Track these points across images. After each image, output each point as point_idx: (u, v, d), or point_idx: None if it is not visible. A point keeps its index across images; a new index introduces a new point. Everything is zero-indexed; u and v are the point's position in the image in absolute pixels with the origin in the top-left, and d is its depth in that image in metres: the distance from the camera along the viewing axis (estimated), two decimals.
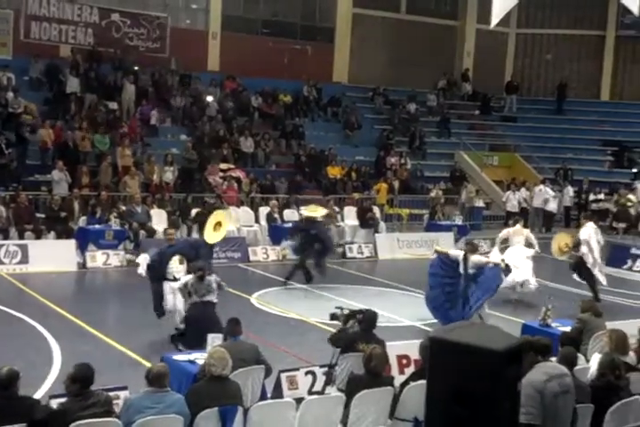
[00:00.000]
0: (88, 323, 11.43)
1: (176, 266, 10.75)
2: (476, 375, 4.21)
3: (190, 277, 9.75)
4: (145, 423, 6.00)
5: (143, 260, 11.23)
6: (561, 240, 15.02)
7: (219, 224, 11.86)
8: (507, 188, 24.53)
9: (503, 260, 12.64)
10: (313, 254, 15.05)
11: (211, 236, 11.73)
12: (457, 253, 12.25)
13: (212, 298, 9.60)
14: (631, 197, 23.94)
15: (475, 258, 11.78)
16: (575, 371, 6.70)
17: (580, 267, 14.29)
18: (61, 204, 17.38)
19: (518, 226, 14.88)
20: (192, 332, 9.31)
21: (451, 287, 11.90)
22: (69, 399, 6.04)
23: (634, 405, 6.62)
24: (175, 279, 10.50)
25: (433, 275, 12.22)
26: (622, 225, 23.45)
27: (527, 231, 14.96)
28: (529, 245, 14.64)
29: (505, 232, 15.00)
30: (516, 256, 14.17)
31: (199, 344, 8.14)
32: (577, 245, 14.26)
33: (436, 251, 12.58)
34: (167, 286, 10.74)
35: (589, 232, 14.33)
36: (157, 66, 24.32)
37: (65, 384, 6.10)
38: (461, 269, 11.76)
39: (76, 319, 11.66)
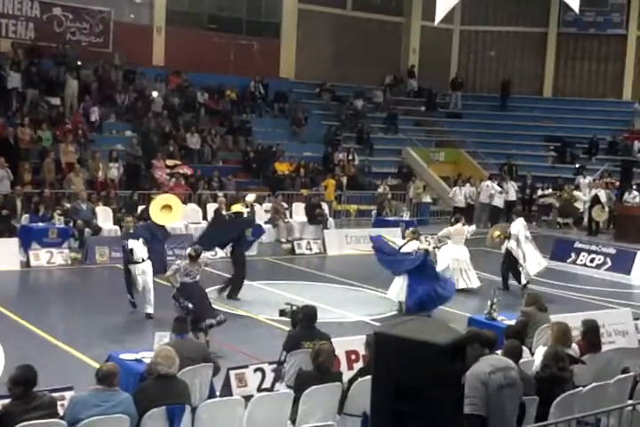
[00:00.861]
0: (32, 323, 11.22)
1: (140, 249, 11.94)
2: (419, 370, 4.23)
3: (182, 261, 10.55)
4: (90, 424, 5.91)
5: (136, 244, 11.96)
6: (495, 231, 15.58)
7: (167, 207, 12.60)
8: (453, 183, 24.76)
9: (435, 247, 13.63)
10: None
11: (159, 217, 12.56)
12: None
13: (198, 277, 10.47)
14: (577, 193, 24.43)
15: (412, 244, 12.69)
16: (520, 364, 6.79)
17: (508, 258, 14.95)
18: (3, 201, 17.08)
19: (459, 225, 15.15)
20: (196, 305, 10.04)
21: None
22: (12, 402, 5.92)
23: (578, 396, 6.74)
24: (143, 261, 11.94)
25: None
26: (569, 220, 23.95)
27: (467, 229, 15.20)
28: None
29: (445, 231, 15.30)
30: (455, 255, 14.69)
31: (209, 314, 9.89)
32: (508, 236, 14.85)
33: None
34: (135, 268, 11.93)
35: (519, 228, 14.88)
36: (101, 61, 23.95)
37: (7, 386, 5.98)
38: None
39: (19, 319, 11.43)
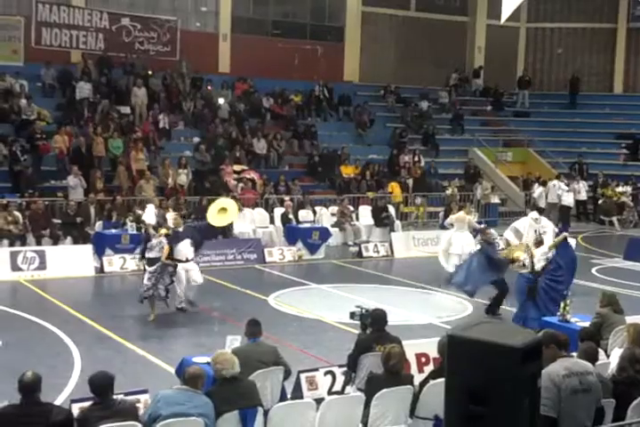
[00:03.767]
0: (107, 327, 11.48)
1: (187, 248, 12.32)
2: (494, 373, 4.19)
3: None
4: (169, 424, 6.01)
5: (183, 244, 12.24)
6: (513, 252, 14.61)
7: (224, 209, 12.60)
8: (535, 183, 24.45)
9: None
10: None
11: (214, 218, 12.57)
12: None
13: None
14: (620, 189, 24.41)
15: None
16: (596, 366, 6.66)
17: None
18: (77, 209, 17.49)
19: (461, 213, 15.87)
20: None
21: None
22: (90, 406, 6.05)
23: None
24: (187, 260, 12.30)
25: None
26: (612, 218, 24.08)
27: (470, 218, 15.83)
28: (473, 231, 15.44)
29: (449, 219, 16.15)
30: (459, 242, 15.27)
31: None
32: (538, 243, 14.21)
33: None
34: (180, 266, 12.17)
35: (524, 222, 13.88)
36: (168, 69, 24.39)
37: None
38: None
39: (94, 324, 11.71)
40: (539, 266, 11.89)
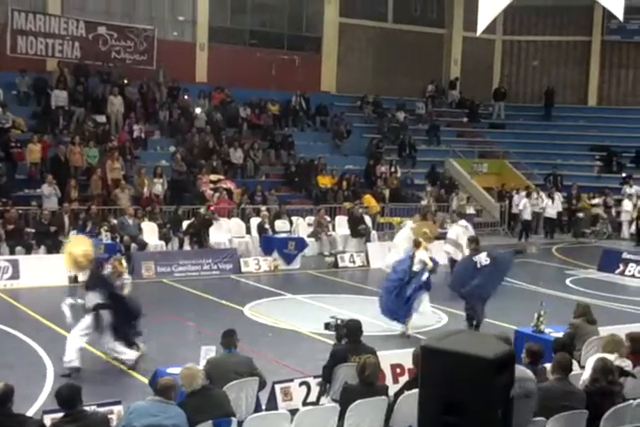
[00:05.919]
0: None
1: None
2: (467, 384, 4.20)
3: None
4: None
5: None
6: (420, 228, 15.46)
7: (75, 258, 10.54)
8: (516, 194, 24.69)
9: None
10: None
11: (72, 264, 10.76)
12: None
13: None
14: (595, 201, 24.83)
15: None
16: (570, 377, 6.70)
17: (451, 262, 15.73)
18: (51, 218, 17.36)
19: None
20: None
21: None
22: (61, 419, 5.99)
23: (628, 410, 6.62)
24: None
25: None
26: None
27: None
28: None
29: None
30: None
31: None
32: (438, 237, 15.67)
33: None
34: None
35: (457, 231, 16.03)
36: (145, 78, 24.31)
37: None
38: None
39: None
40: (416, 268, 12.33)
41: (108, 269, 10.80)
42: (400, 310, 12.16)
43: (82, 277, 10.92)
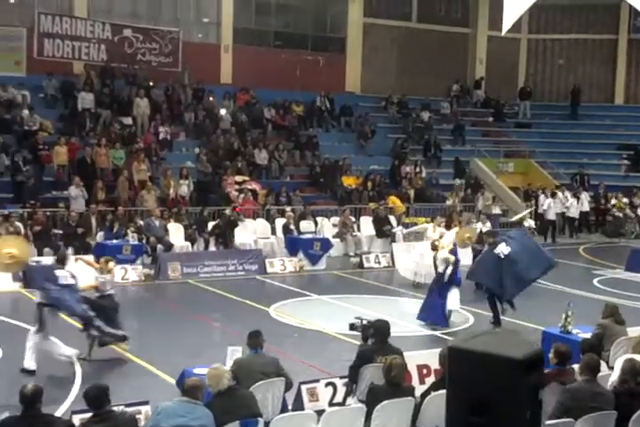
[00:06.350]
0: None
1: None
2: (495, 385, 4.18)
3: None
4: None
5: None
6: (464, 233, 15.20)
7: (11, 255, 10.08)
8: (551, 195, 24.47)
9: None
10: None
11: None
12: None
13: None
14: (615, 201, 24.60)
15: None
16: (598, 378, 6.65)
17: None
18: (79, 220, 17.52)
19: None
20: None
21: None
22: (89, 419, 6.03)
23: None
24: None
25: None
26: None
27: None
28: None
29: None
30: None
31: None
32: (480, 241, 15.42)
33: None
34: None
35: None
36: (170, 80, 24.45)
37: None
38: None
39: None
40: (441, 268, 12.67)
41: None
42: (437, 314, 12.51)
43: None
